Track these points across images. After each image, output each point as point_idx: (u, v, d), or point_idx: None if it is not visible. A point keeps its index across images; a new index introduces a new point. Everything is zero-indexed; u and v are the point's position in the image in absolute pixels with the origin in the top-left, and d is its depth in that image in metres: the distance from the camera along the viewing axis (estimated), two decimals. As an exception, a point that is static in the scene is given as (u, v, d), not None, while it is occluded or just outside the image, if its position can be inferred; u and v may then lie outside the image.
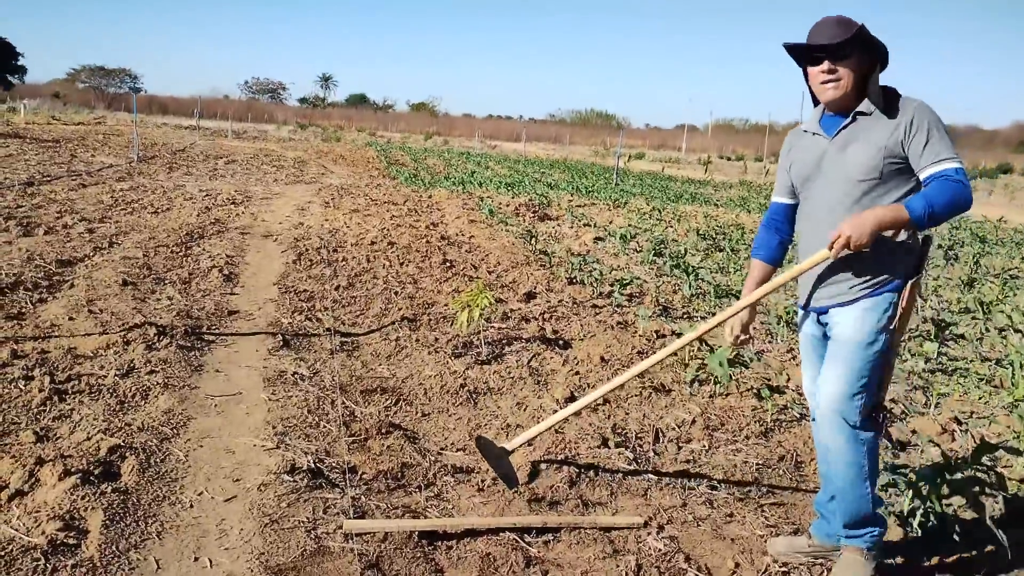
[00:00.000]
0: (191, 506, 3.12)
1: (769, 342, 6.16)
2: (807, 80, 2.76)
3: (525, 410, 4.40)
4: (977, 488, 3.11)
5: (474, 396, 4.61)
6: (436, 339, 5.63)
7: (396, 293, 6.85)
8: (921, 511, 3.24)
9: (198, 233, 9.19)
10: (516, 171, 27.43)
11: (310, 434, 3.88)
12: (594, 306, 6.91)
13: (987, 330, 6.94)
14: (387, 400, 4.47)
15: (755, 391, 4.82)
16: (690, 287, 7.67)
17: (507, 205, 14.05)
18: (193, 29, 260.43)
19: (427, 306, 6.49)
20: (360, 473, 3.50)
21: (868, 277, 2.68)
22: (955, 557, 3.10)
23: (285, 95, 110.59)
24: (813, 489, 3.68)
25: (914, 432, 4.05)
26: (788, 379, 5.23)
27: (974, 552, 3.15)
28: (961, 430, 4.49)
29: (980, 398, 5.12)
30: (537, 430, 3.40)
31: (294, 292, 6.74)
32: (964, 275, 9.69)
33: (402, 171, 22.18)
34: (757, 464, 3.88)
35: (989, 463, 3.65)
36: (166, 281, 6.72)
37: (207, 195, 13.04)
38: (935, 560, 3.08)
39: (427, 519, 3.10)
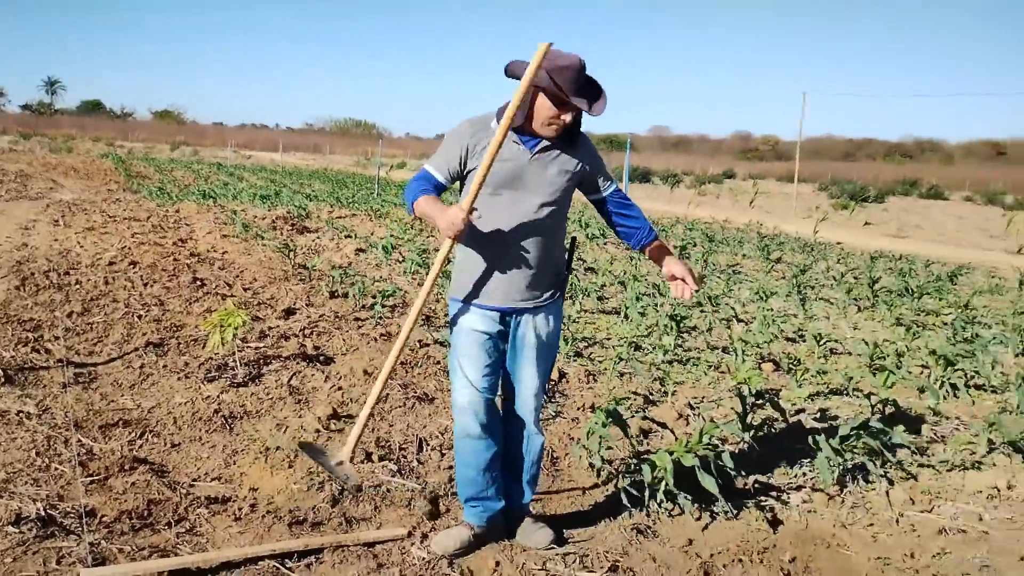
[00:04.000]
0: None
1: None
2: (526, 100, 2.73)
3: (286, 431, 4.27)
4: (702, 464, 3.46)
5: (230, 421, 4.40)
6: (187, 364, 5.31)
7: (140, 317, 6.36)
8: (660, 489, 3.55)
9: None
10: (273, 182, 26.52)
11: (39, 478, 3.51)
12: (357, 319, 6.84)
13: (715, 322, 7.71)
14: (131, 433, 4.14)
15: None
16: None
17: (263, 218, 13.53)
18: None
19: (176, 329, 6.10)
20: (100, 516, 3.22)
21: (554, 280, 3.08)
22: (693, 526, 3.43)
23: (2, 102, 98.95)
24: (569, 486, 3.90)
25: (653, 420, 4.41)
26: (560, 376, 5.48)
27: (707, 519, 3.49)
28: (694, 414, 4.96)
29: (710, 383, 5.69)
30: (358, 428, 3.14)
31: (17, 322, 6.05)
32: (695, 272, 10.70)
33: (145, 184, 20.67)
34: (516, 463, 4.03)
35: (715, 442, 4.05)
36: None
37: (-96, 215, 11.37)
38: (674, 530, 3.39)
39: (176, 557, 2.91)
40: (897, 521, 3.68)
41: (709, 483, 3.39)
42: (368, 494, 3.59)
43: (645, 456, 3.98)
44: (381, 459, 3.98)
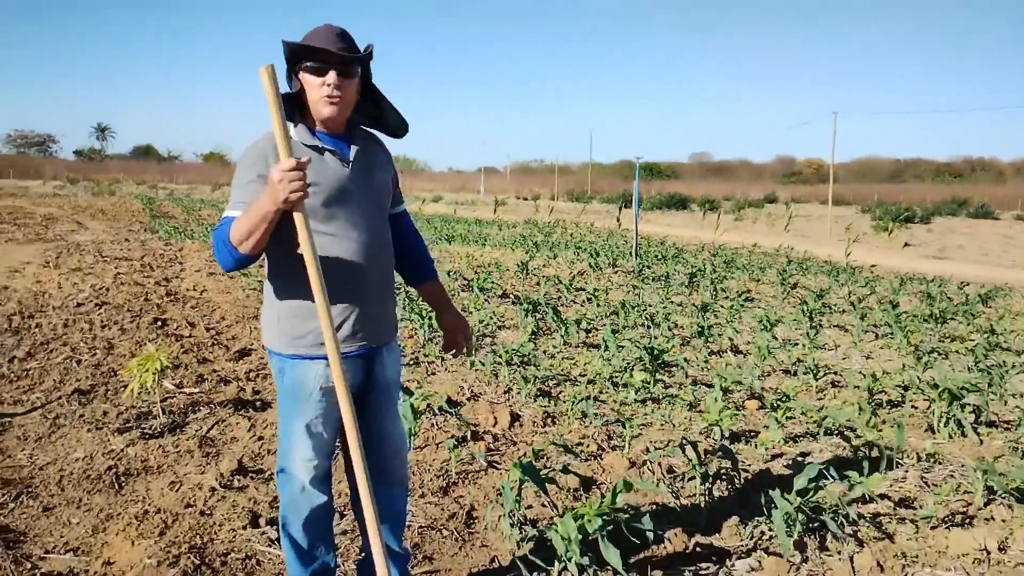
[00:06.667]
0: None
1: (487, 384, 5.92)
2: (291, 86, 2.41)
3: (178, 490, 3.83)
4: (610, 531, 2.93)
5: (122, 479, 3.97)
6: (105, 413, 4.93)
7: (79, 362, 6.02)
8: (571, 560, 3.02)
9: None
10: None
11: None
12: (314, 359, 6.42)
13: (707, 354, 7.13)
14: (5, 496, 3.74)
15: (454, 438, 4.52)
16: (426, 330, 7.35)
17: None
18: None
19: (111, 374, 5.74)
20: (-92, 600, 2.81)
21: (395, 303, 2.71)
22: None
23: (55, 148, 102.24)
24: (479, 554, 3.39)
25: (577, 475, 3.86)
26: (495, 423, 5.00)
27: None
28: (651, 462, 4.40)
29: (681, 425, 5.12)
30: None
31: (-48, 369, 5.76)
32: (700, 301, 10.10)
33: (165, 224, 20.71)
34: (421, 527, 3.54)
35: (626, 505, 3.52)
36: None
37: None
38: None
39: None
40: (859, 594, 3.10)
41: (612, 556, 2.85)
42: (235, 567, 3.13)
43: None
44: (269, 523, 3.52)
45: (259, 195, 2.30)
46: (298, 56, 2.35)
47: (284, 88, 2.40)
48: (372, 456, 2.60)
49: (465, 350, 2.86)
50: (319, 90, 2.34)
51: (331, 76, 2.32)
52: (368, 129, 2.64)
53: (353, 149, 2.48)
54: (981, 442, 4.95)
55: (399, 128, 2.62)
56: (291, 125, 2.42)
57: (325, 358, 2.45)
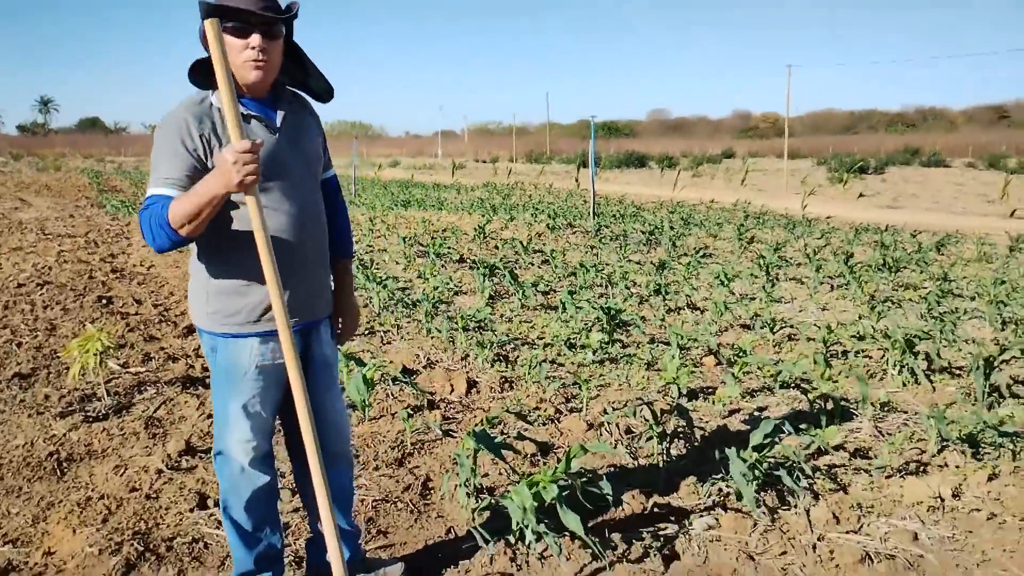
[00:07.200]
0: None
1: (444, 351, 5.84)
2: (216, 50, 2.10)
3: (123, 473, 3.71)
4: (567, 497, 2.89)
5: (64, 465, 3.83)
6: (47, 397, 4.76)
7: (20, 345, 5.81)
8: (528, 527, 2.98)
9: None
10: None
11: None
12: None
13: (665, 312, 7.11)
14: (-60, 488, 3.59)
15: (408, 408, 4.45)
16: (382, 298, 7.24)
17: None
18: None
19: (53, 357, 5.55)
20: None
21: (330, 274, 2.60)
22: (568, 569, 2.86)
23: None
24: (435, 525, 3.33)
25: (560, 433, 3.81)
26: (452, 390, 4.93)
27: (586, 560, 2.91)
28: (608, 424, 4.37)
29: (639, 385, 5.10)
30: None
31: None
32: (658, 259, 10.08)
33: (112, 199, 20.14)
34: (375, 500, 3.47)
35: (583, 468, 3.49)
36: None
37: None
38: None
39: None
40: (815, 547, 3.10)
41: (572, 522, 2.81)
42: (182, 552, 3.03)
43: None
44: (218, 504, 3.41)
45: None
46: (217, 17, 2.19)
47: (201, 52, 2.25)
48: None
49: (343, 339, 2.73)
50: (242, 54, 2.18)
51: (255, 39, 2.17)
52: (294, 90, 2.50)
53: (280, 115, 2.34)
54: (934, 389, 5.00)
55: (324, 92, 2.48)
56: (210, 92, 2.28)
57: (258, 335, 2.35)
